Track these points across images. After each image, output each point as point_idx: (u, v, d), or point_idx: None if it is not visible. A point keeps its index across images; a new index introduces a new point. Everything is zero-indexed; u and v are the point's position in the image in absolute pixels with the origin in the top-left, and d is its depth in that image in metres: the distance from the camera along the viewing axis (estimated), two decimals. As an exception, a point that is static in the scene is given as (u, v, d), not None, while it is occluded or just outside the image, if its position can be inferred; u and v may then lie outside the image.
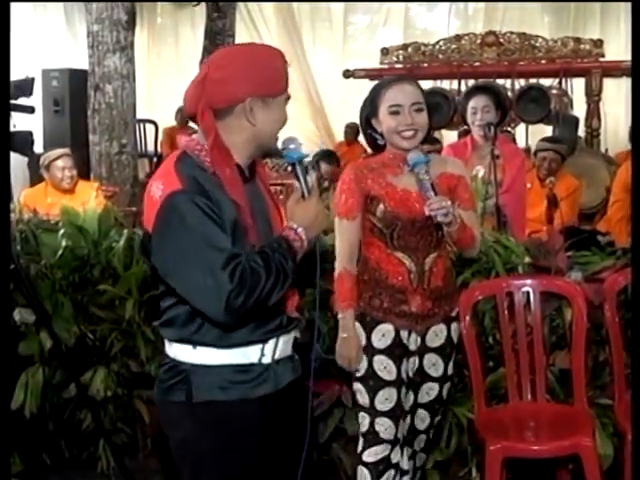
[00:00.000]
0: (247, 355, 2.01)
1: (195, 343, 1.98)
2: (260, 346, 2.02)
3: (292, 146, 2.05)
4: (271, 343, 2.04)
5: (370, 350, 2.68)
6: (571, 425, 2.83)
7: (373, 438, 2.70)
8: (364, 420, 2.72)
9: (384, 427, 2.68)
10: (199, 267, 1.85)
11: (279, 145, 2.07)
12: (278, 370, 2.06)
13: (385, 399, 2.67)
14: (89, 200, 4.49)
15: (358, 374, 2.72)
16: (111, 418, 3.46)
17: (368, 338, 2.69)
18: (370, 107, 2.67)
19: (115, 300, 3.42)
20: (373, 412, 2.69)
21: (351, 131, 9.88)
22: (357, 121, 2.77)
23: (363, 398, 2.72)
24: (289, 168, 2.11)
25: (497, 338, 3.08)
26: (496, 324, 3.07)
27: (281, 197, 5.47)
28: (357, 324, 2.70)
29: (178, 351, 2.02)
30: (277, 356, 2.05)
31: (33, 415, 3.38)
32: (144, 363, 3.37)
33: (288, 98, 2.05)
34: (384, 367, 2.67)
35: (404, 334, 2.69)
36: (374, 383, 2.68)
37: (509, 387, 3.01)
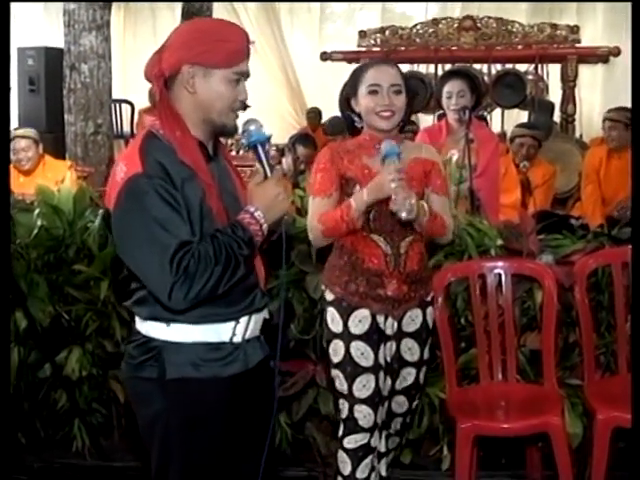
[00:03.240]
0: (219, 334, 2.02)
1: (168, 320, 1.98)
2: (232, 325, 2.04)
3: (252, 127, 2.03)
4: (243, 322, 2.05)
5: (347, 336, 2.66)
6: (541, 404, 2.88)
7: (353, 425, 2.68)
8: (344, 407, 2.70)
9: (362, 414, 2.65)
10: (149, 252, 1.87)
11: (239, 127, 2.04)
12: (248, 349, 2.07)
13: (363, 386, 2.65)
14: (62, 179, 4.46)
15: (335, 360, 2.69)
16: (86, 398, 3.45)
17: (345, 324, 2.66)
18: (350, 87, 2.68)
19: (90, 280, 3.41)
20: (352, 399, 2.66)
21: (314, 115, 9.54)
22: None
23: (342, 385, 2.69)
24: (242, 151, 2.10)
25: (469, 319, 3.12)
26: (468, 305, 3.11)
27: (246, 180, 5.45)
28: (333, 310, 2.69)
29: (150, 328, 2.02)
30: (247, 336, 2.07)
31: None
32: (119, 343, 3.36)
33: (243, 75, 2.01)
34: (361, 353, 2.65)
35: (380, 319, 2.67)
36: (352, 369, 2.66)
37: (480, 367, 3.06)
